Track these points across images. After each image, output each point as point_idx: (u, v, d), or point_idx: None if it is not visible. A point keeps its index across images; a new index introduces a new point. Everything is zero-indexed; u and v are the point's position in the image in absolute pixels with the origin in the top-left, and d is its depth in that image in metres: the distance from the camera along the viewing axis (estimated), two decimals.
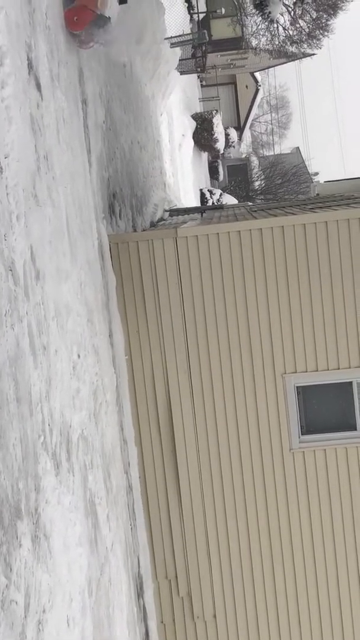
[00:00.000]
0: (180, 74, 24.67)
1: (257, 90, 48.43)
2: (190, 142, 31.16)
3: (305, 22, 32.78)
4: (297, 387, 9.39)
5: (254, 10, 32.31)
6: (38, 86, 5.62)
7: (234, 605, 9.76)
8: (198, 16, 31.80)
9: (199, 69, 29.63)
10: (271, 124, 75.30)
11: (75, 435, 5.86)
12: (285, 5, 30.86)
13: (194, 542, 9.63)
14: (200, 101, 39.27)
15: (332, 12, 32.60)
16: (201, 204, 31.37)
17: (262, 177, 50.70)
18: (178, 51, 22.51)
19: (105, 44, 8.12)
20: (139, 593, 8.88)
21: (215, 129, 34.21)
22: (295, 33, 32.95)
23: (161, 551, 9.69)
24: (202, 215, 16.78)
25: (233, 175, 49.01)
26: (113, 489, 7.42)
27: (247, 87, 47.75)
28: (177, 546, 9.66)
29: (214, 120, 34.16)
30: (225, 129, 39.27)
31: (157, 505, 9.61)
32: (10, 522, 3.97)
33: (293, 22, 32.41)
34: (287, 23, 32.40)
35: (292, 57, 41.93)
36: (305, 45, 34.66)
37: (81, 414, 6.15)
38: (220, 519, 9.59)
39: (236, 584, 9.71)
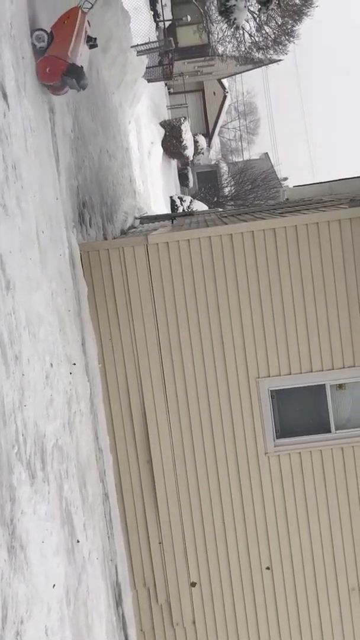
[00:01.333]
0: (148, 82, 24.71)
1: (224, 97, 48.62)
2: (159, 150, 31.20)
3: (271, 28, 32.93)
4: (270, 390, 9.42)
5: (219, 17, 32.37)
6: (4, 95, 5.62)
7: (213, 611, 9.76)
8: (164, 24, 31.90)
9: (166, 77, 29.67)
10: (239, 130, 75.56)
11: (50, 444, 5.84)
12: (250, 11, 30.98)
13: (172, 548, 9.62)
14: (168, 109, 39.33)
15: (297, 18, 32.77)
16: (171, 211, 31.40)
17: (232, 183, 50.85)
18: (145, 59, 22.55)
19: (79, 88, 8.14)
20: (118, 601, 8.85)
21: (183, 136, 34.28)
22: (261, 39, 33.08)
23: (139, 559, 9.67)
24: (172, 222, 16.80)
25: (203, 182, 49.13)
26: (89, 498, 7.40)
27: (214, 93, 47.90)
28: (154, 553, 9.64)
29: (183, 127, 34.24)
30: (194, 136, 39.37)
31: (134, 513, 9.59)
32: None
33: (259, 28, 32.54)
34: (253, 29, 32.52)
35: (258, 63, 42.15)
36: (271, 51, 34.82)
37: (55, 423, 6.13)
38: (198, 524, 9.59)
39: (215, 590, 9.71)
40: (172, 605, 9.74)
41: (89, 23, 8.24)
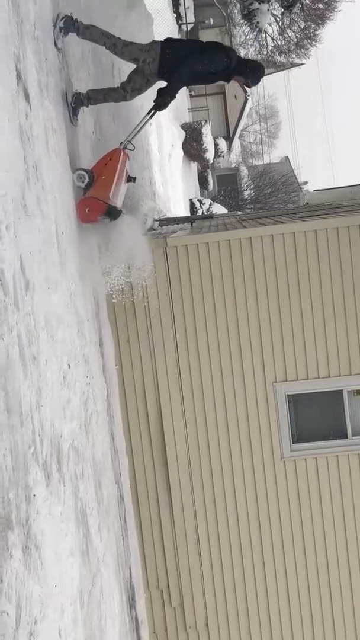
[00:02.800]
0: None
1: (246, 100, 48.56)
2: (179, 152, 31.22)
3: (294, 32, 32.95)
4: (287, 395, 9.40)
5: (242, 21, 32.45)
6: (27, 96, 5.63)
7: (226, 614, 9.74)
8: (187, 26, 31.95)
9: None
10: (260, 133, 75.56)
11: (66, 445, 5.85)
12: (273, 15, 30.99)
13: (186, 551, 9.61)
14: (189, 111, 39.36)
15: (320, 22, 32.78)
16: (191, 214, 31.41)
17: (252, 186, 50.82)
18: None
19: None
20: (131, 603, 8.85)
21: (204, 139, 34.28)
22: (283, 43, 33.12)
23: (153, 561, 9.67)
24: (192, 224, 16.78)
25: (222, 185, 49.12)
26: (104, 499, 7.40)
27: (235, 97, 47.85)
28: (169, 556, 9.64)
29: (203, 130, 34.24)
30: (215, 139, 39.36)
31: (149, 515, 9.59)
32: (0, 533, 3.96)
33: (281, 32, 32.57)
34: (276, 33, 32.56)
35: (280, 67, 42.15)
36: (293, 55, 34.86)
37: (72, 424, 6.13)
38: (212, 529, 9.58)
39: (228, 593, 9.70)
40: (185, 608, 9.73)
41: (128, 158, 8.31)
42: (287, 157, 64.96)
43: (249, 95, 46.38)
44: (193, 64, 7.74)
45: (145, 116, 8.22)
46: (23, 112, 5.49)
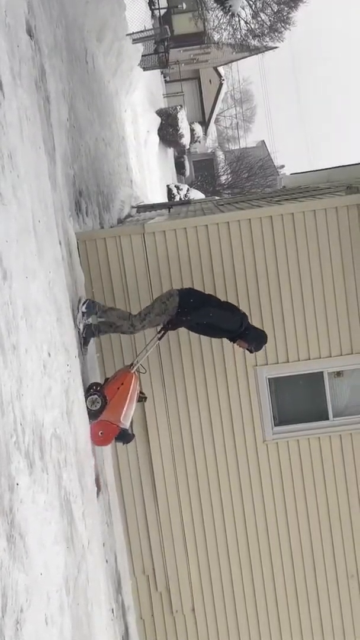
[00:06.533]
0: (144, 70, 24.64)
1: (220, 85, 48.53)
2: (155, 138, 31.15)
3: (267, 15, 32.84)
4: (268, 378, 9.44)
5: (215, 5, 32.33)
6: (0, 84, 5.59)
7: (212, 598, 9.80)
8: (159, 11, 31.81)
9: (162, 65, 29.61)
10: (236, 118, 75.45)
11: (48, 434, 5.84)
12: None
13: (171, 536, 9.65)
14: (164, 97, 39.26)
15: (292, 5, 32.70)
16: (168, 200, 31.36)
17: (229, 171, 50.81)
18: (140, 47, 22.48)
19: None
20: (117, 589, 8.88)
21: (180, 124, 34.23)
22: (256, 26, 33.00)
23: (138, 547, 9.70)
24: (169, 210, 16.79)
25: (199, 170, 49.10)
26: (88, 487, 7.41)
27: (210, 81, 47.81)
28: (153, 541, 9.67)
29: (179, 115, 34.18)
30: (190, 124, 39.31)
31: (133, 501, 9.62)
32: None
33: (254, 15, 32.45)
34: (249, 16, 32.43)
35: (254, 51, 42.08)
36: (267, 39, 34.76)
37: (53, 413, 6.12)
38: (196, 513, 9.62)
39: (214, 577, 9.75)
40: (171, 592, 9.78)
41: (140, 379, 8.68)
42: (263, 141, 64.97)
43: (223, 79, 46.31)
44: (210, 313, 8.21)
45: (154, 338, 8.51)
46: None
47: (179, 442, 9.49)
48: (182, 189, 34.08)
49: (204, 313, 8.16)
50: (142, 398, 8.74)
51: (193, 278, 9.20)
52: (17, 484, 4.69)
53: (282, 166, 57.87)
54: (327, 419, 9.56)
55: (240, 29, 32.89)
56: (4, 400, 4.63)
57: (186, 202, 20.12)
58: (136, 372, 8.30)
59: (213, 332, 8.64)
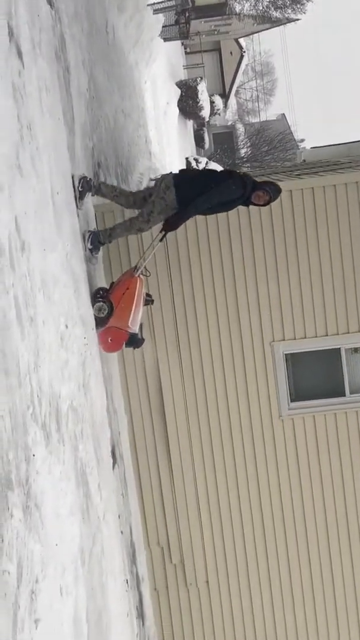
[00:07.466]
0: (164, 41, 24.43)
1: (241, 57, 48.02)
2: (175, 110, 30.93)
3: None
4: (285, 354, 9.41)
5: None
6: (19, 54, 5.54)
7: (226, 570, 9.85)
8: None
9: (182, 36, 29.35)
10: (256, 90, 74.80)
11: (65, 405, 5.85)
12: None
13: (186, 509, 9.69)
14: (184, 68, 38.92)
15: None
16: None
17: (248, 144, 50.47)
18: (161, 18, 22.26)
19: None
20: (132, 561, 8.94)
21: (200, 96, 33.94)
22: None
23: (153, 519, 9.75)
24: None
25: (219, 143, 48.75)
26: (104, 459, 7.44)
27: (231, 53, 47.32)
28: (168, 513, 9.71)
29: (199, 87, 33.88)
30: (210, 96, 38.97)
31: (148, 473, 9.65)
32: (1, 492, 3.98)
33: None
34: None
35: (276, 23, 41.64)
36: (289, 10, 34.41)
37: (70, 385, 6.14)
38: (211, 487, 9.64)
39: (228, 550, 9.79)
40: (185, 565, 9.83)
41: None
42: (283, 115, 64.41)
43: (244, 51, 45.90)
44: (208, 201, 7.96)
45: (155, 239, 8.34)
46: (16, 70, 5.42)
47: (194, 414, 9.49)
48: (201, 162, 33.86)
49: (204, 201, 7.93)
50: (148, 301, 8.65)
51: (211, 251, 9.16)
52: (34, 456, 4.71)
53: (303, 140, 57.43)
54: (344, 395, 9.54)
55: (262, 0, 32.55)
56: (21, 372, 4.64)
57: None
58: (141, 276, 8.13)
59: (225, 207, 8.37)
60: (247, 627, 9.96)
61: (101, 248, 8.45)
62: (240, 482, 9.64)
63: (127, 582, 8.34)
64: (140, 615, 9.18)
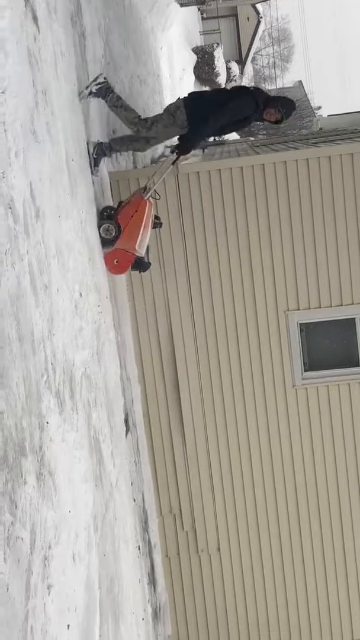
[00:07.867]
0: (180, 6, 24.17)
1: (258, 23, 47.47)
2: (191, 77, 30.68)
3: None
4: (299, 324, 9.38)
5: None
6: (35, 18, 5.49)
7: (237, 538, 9.90)
8: None
9: (199, 1, 29.00)
10: (273, 57, 74.10)
11: (79, 373, 5.87)
12: None
13: (198, 476, 9.73)
14: (200, 34, 38.53)
15: None
16: None
17: None
18: None
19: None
20: (144, 528, 9.00)
21: (216, 62, 33.64)
22: None
23: (165, 486, 9.80)
24: (203, 151, 16.58)
25: None
26: (117, 426, 7.47)
27: (248, 19, 46.78)
28: (181, 481, 9.76)
29: (215, 53, 33.57)
30: (227, 62, 38.63)
31: (161, 441, 9.69)
32: (14, 460, 3.99)
33: None
34: None
35: None
36: None
37: (84, 353, 6.15)
38: (224, 455, 9.67)
39: (240, 518, 9.84)
40: (197, 532, 9.89)
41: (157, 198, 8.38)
42: (300, 82, 63.83)
43: (261, 17, 45.38)
44: (220, 118, 7.86)
45: (167, 162, 8.22)
46: (31, 35, 5.37)
47: (207, 383, 9.50)
48: None
49: (217, 118, 7.83)
50: (157, 224, 8.56)
51: (226, 219, 9.11)
52: (47, 423, 4.72)
53: (319, 107, 56.97)
54: (358, 365, 9.51)
55: None
56: (36, 339, 4.64)
57: (220, 142, 19.85)
58: (150, 199, 8.01)
59: (239, 125, 8.33)
60: (258, 594, 10.03)
61: (104, 162, 8.30)
62: (252, 451, 9.66)
63: (139, 549, 8.40)
64: (152, 581, 9.27)
